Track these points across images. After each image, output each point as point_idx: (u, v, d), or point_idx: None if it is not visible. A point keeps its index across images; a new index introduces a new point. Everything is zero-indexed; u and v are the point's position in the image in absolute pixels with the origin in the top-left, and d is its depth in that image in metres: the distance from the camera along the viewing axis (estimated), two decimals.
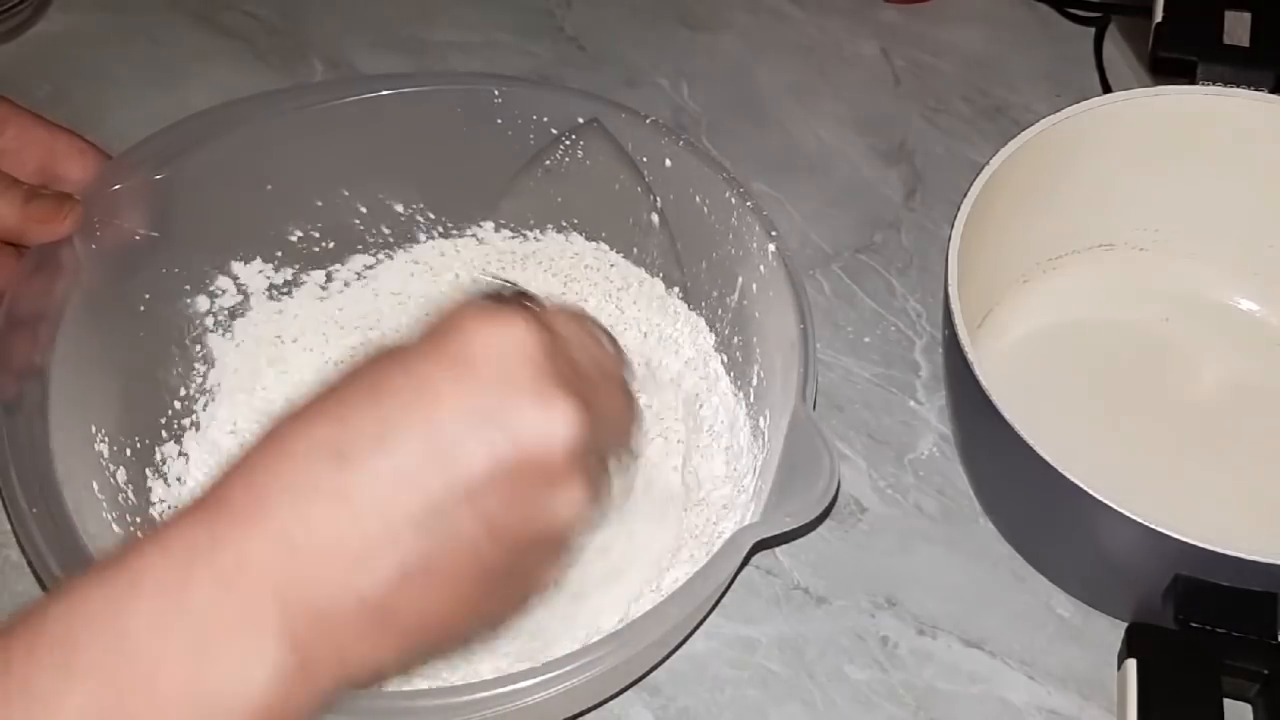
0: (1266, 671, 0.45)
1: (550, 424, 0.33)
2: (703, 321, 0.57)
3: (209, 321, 0.56)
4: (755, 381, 0.54)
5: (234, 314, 0.57)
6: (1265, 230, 0.60)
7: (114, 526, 0.47)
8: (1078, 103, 0.56)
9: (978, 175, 0.54)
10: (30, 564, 0.45)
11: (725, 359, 0.56)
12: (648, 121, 0.54)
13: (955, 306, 0.50)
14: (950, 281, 0.50)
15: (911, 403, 0.60)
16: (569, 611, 0.51)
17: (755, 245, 0.51)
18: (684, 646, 0.52)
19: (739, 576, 0.54)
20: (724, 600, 0.53)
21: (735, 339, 0.55)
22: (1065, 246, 0.62)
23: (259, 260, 0.57)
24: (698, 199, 0.54)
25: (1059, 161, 0.57)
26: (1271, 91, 0.56)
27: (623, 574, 0.52)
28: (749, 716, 0.50)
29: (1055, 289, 0.62)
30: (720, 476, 0.54)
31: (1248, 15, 0.58)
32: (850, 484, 0.57)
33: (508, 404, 0.33)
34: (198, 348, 0.56)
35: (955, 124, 0.71)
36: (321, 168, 0.56)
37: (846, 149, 0.70)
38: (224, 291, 0.56)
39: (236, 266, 0.56)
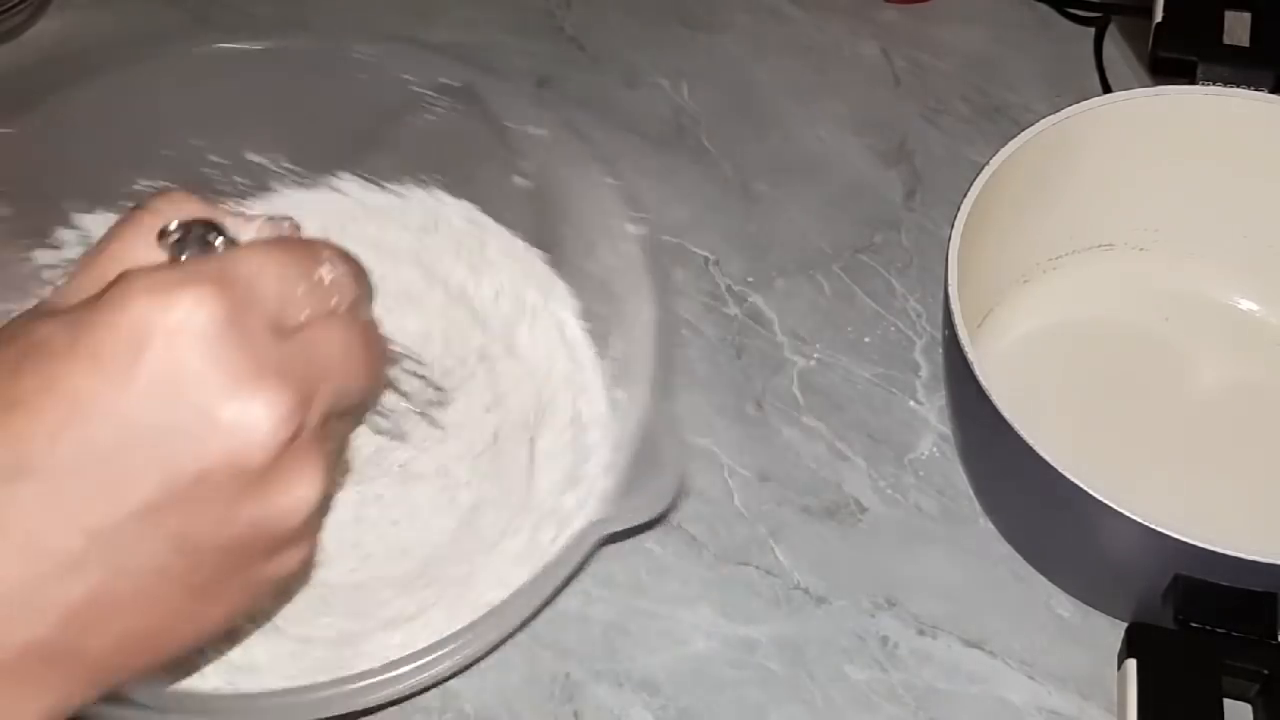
0: (1266, 671, 0.45)
1: (241, 423, 0.28)
2: (567, 288, 0.57)
3: (52, 275, 0.54)
4: (619, 355, 0.53)
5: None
6: (1265, 230, 0.60)
7: None
8: (1078, 103, 0.56)
9: (978, 175, 0.54)
10: None
11: (588, 326, 0.56)
12: (523, 90, 0.55)
13: (955, 306, 0.50)
14: (950, 281, 0.50)
15: (911, 403, 0.60)
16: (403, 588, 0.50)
17: (615, 224, 0.52)
18: (684, 646, 0.52)
19: (739, 576, 0.54)
20: (724, 600, 0.53)
21: (599, 309, 0.55)
22: (1065, 246, 0.62)
23: (102, 210, 0.54)
24: (563, 171, 0.54)
25: (1059, 161, 0.57)
26: (1271, 91, 0.56)
27: (463, 552, 0.51)
28: (749, 716, 0.50)
29: (1055, 289, 0.62)
30: (566, 444, 0.54)
31: (1248, 15, 0.58)
32: (850, 484, 0.57)
33: (182, 410, 0.28)
34: (37, 300, 0.54)
35: (955, 124, 0.71)
36: (171, 117, 0.54)
37: (846, 149, 0.70)
38: (66, 243, 0.54)
39: (79, 218, 0.54)
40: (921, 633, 0.53)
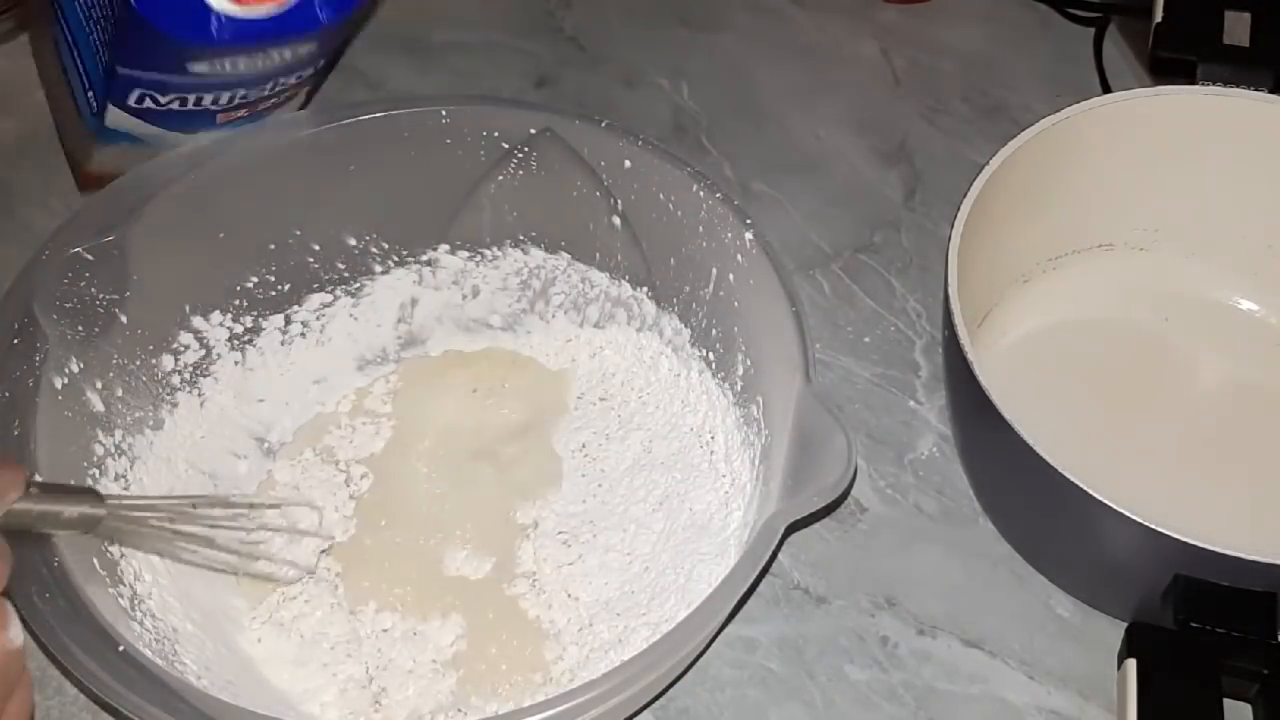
0: (1266, 671, 0.45)
1: None
2: (675, 318, 0.57)
3: (175, 380, 0.54)
4: (741, 370, 0.54)
5: (198, 369, 0.55)
6: (1265, 230, 0.60)
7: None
8: (1078, 103, 0.56)
9: (978, 175, 0.54)
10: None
11: (704, 352, 0.56)
12: (603, 125, 0.54)
13: (955, 306, 0.50)
14: (950, 281, 0.50)
15: (911, 403, 0.60)
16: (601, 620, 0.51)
17: (729, 235, 0.51)
18: None
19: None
20: None
21: (714, 331, 0.55)
22: (1065, 246, 0.62)
23: (217, 312, 0.55)
24: (661, 196, 0.54)
25: (1059, 161, 0.57)
26: (1271, 91, 0.57)
27: (647, 588, 0.52)
28: (749, 716, 0.50)
29: (1055, 289, 0.62)
30: (711, 471, 0.55)
31: (1248, 15, 0.58)
32: None
33: None
34: (166, 407, 0.54)
35: (955, 124, 0.72)
36: (272, 209, 0.55)
37: (846, 149, 0.70)
38: (187, 348, 0.54)
39: (197, 320, 0.55)
40: (921, 633, 0.53)
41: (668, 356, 0.58)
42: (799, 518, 0.43)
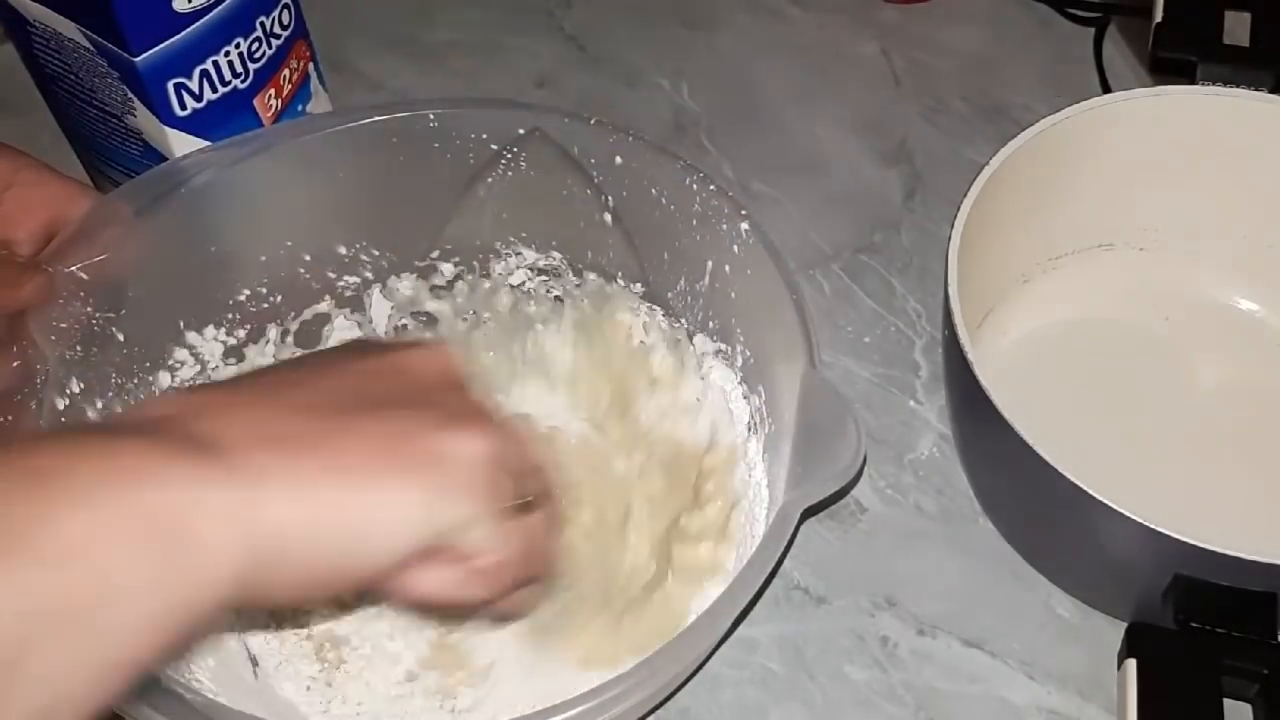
0: (1266, 671, 0.45)
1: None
2: (671, 312, 0.57)
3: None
4: (740, 362, 0.54)
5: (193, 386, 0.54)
6: (1265, 230, 0.60)
7: None
8: (1078, 103, 0.56)
9: (978, 175, 0.54)
10: None
11: (707, 349, 0.56)
12: (591, 123, 0.53)
13: (955, 306, 0.50)
14: (950, 281, 0.50)
15: (911, 403, 0.60)
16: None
17: (725, 227, 0.51)
18: None
19: None
20: None
21: (711, 323, 0.55)
22: (1065, 246, 0.62)
23: (211, 327, 0.55)
24: (653, 191, 0.53)
25: (1059, 161, 0.57)
26: (1271, 91, 0.56)
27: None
28: (749, 716, 0.50)
29: (1055, 289, 0.62)
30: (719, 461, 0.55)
31: (1248, 15, 0.58)
32: None
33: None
34: None
35: (955, 124, 0.72)
36: (261, 222, 0.55)
37: (846, 149, 0.70)
38: (182, 364, 0.54)
39: (191, 336, 0.54)
40: (921, 633, 0.53)
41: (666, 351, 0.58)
42: (813, 503, 0.43)
